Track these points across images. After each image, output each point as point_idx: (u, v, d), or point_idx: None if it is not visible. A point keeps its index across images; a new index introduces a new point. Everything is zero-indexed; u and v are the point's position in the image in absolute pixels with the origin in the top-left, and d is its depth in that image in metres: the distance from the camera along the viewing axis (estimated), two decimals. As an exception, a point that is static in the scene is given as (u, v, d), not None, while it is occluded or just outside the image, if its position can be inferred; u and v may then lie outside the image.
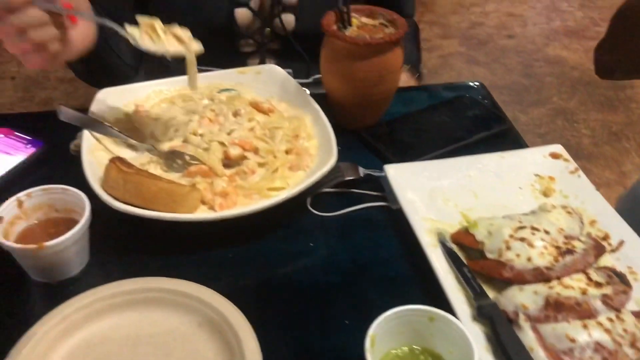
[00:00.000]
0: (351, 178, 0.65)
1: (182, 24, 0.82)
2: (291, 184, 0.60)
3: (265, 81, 0.74)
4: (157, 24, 0.60)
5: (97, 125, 0.63)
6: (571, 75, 2.48)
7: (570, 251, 0.53)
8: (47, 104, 2.18)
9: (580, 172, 0.64)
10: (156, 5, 0.85)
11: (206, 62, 0.84)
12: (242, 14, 0.83)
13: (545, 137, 2.15)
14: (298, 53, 0.85)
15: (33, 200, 0.56)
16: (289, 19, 0.85)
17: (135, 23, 0.61)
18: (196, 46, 0.62)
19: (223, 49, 0.84)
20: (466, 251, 0.56)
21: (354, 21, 0.69)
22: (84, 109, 0.67)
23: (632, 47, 0.83)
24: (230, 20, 0.83)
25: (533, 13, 3.00)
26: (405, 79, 0.88)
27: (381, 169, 0.65)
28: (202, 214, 0.57)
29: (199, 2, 0.82)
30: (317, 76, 0.86)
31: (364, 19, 0.69)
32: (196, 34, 0.82)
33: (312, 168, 0.62)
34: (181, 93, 0.72)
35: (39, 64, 0.59)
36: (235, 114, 0.66)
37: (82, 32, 0.63)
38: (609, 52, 0.85)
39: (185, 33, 0.61)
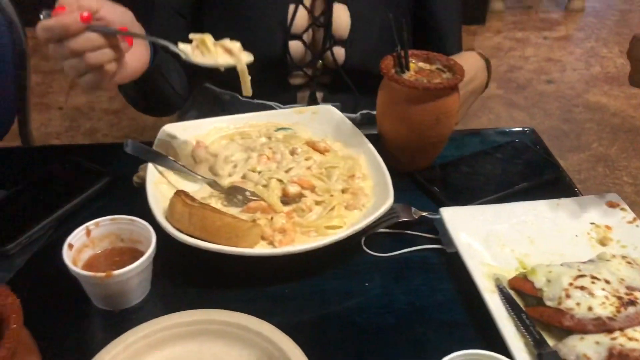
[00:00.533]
0: (405, 219, 0.65)
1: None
2: (347, 222, 0.61)
3: (321, 121, 0.76)
4: (208, 39, 0.62)
5: (161, 158, 0.66)
6: (612, 122, 2.45)
7: (632, 302, 0.52)
8: (92, 134, 2.25)
9: (639, 222, 0.64)
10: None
11: (258, 94, 0.87)
12: (295, 47, 0.87)
13: (585, 183, 2.13)
14: (347, 86, 0.87)
15: (101, 229, 0.58)
16: (339, 52, 0.88)
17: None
18: (246, 56, 0.63)
19: (275, 81, 0.87)
20: (524, 298, 0.56)
21: (412, 65, 0.70)
22: (148, 143, 0.70)
23: None
24: (284, 53, 0.86)
25: (572, 58, 3.00)
26: (479, 63, 0.91)
27: (434, 211, 0.65)
28: (262, 249, 0.58)
29: (254, 35, 0.85)
30: (365, 111, 0.88)
31: (421, 64, 0.71)
32: (250, 67, 0.85)
33: (368, 208, 0.63)
34: (240, 131, 0.74)
35: (94, 85, 0.61)
36: (292, 152, 0.68)
37: (136, 55, 0.66)
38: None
39: (234, 45, 0.63)
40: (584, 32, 3.31)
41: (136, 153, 0.65)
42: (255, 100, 0.90)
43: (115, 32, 0.59)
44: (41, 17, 0.56)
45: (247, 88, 0.65)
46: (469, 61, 0.83)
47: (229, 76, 0.90)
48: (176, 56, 0.63)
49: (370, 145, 0.70)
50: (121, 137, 2.19)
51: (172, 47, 0.62)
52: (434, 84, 0.66)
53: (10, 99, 1.16)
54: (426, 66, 0.71)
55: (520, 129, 0.85)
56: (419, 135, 0.69)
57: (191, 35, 0.63)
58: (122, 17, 0.61)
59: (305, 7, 0.86)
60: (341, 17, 0.87)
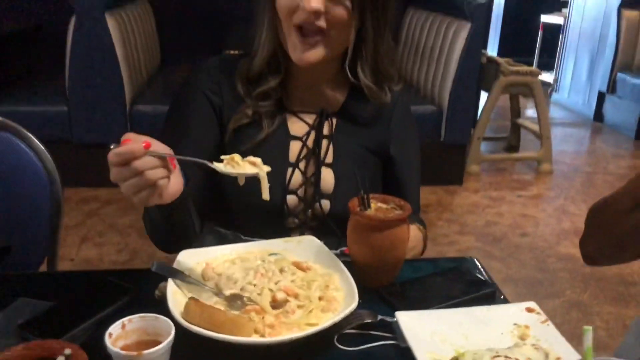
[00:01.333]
0: (369, 321, 0.83)
1: (242, 205, 1.08)
2: (322, 322, 0.79)
3: (304, 248, 0.96)
4: (237, 156, 0.86)
5: (179, 275, 0.85)
6: (583, 271, 2.64)
7: (535, 373, 0.69)
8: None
9: (550, 322, 0.82)
10: (222, 191, 1.12)
11: (258, 234, 1.09)
12: (291, 200, 1.11)
13: (561, 327, 2.26)
14: (332, 230, 1.09)
15: (133, 324, 0.75)
16: (325, 204, 1.11)
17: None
18: (267, 168, 0.87)
19: (273, 226, 1.09)
20: (457, 375, 0.72)
21: (373, 205, 0.93)
22: (169, 264, 0.89)
23: (606, 240, 1.06)
24: (282, 204, 1.09)
25: (544, 215, 3.27)
26: (417, 233, 1.12)
27: (393, 316, 0.83)
28: (255, 339, 0.75)
29: (258, 189, 1.09)
30: (344, 248, 1.09)
31: (380, 204, 0.93)
32: (253, 213, 1.08)
33: (339, 311, 0.81)
34: (240, 256, 0.94)
35: (146, 200, 0.81)
36: (281, 270, 0.88)
37: (176, 180, 0.87)
38: (590, 244, 1.07)
39: (257, 159, 0.87)
40: (554, 192, 3.63)
41: (160, 271, 0.84)
42: (255, 240, 1.12)
43: (166, 155, 0.81)
44: (112, 147, 0.78)
45: (266, 192, 0.88)
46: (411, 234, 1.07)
47: (232, 218, 1.13)
48: (210, 173, 0.86)
49: (343, 266, 0.90)
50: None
51: (209, 164, 0.85)
52: (388, 217, 0.88)
53: (43, 243, 1.36)
54: (383, 205, 0.93)
55: (465, 257, 1.05)
56: (379, 258, 0.89)
57: (222, 157, 0.87)
58: (165, 150, 0.84)
59: (300, 170, 1.12)
60: (327, 177, 1.13)
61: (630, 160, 4.24)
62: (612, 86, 4.87)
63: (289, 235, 1.12)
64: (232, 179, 1.08)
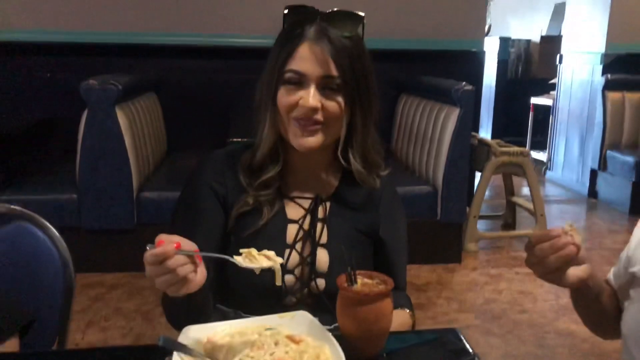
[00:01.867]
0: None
1: (244, 285, 1.18)
2: (313, 389, 0.87)
3: (298, 322, 1.04)
4: (254, 251, 0.99)
5: (184, 348, 0.93)
6: (582, 347, 2.67)
7: None
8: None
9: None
10: (227, 274, 1.21)
11: (256, 312, 1.17)
12: (288, 279, 1.21)
13: (560, 403, 2.27)
14: (326, 307, 1.17)
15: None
16: (321, 282, 1.21)
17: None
18: (280, 260, 0.99)
19: (271, 304, 1.18)
20: None
21: (359, 280, 1.02)
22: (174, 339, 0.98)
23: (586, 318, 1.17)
24: (280, 285, 1.17)
25: (542, 291, 3.32)
26: (407, 320, 1.20)
27: (379, 384, 0.90)
28: (251, 405, 0.82)
29: (260, 272, 1.18)
30: (336, 324, 1.17)
31: (366, 280, 1.03)
32: (253, 293, 1.17)
33: (328, 380, 0.89)
34: (239, 331, 1.03)
35: (177, 291, 0.93)
36: (276, 343, 0.96)
37: (201, 270, 0.97)
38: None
39: (271, 252, 1.00)
40: (551, 268, 3.68)
41: (166, 345, 0.93)
42: (255, 317, 1.19)
43: (193, 253, 0.94)
44: (148, 248, 0.91)
45: (279, 280, 1.01)
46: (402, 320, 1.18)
47: (234, 297, 1.22)
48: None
49: (333, 339, 0.98)
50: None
51: (230, 259, 0.98)
52: (372, 292, 0.97)
53: (54, 324, 1.44)
54: (369, 281, 1.03)
55: (450, 328, 1.13)
56: (365, 329, 0.98)
57: (241, 250, 0.99)
58: (191, 246, 0.96)
59: (296, 251, 1.22)
60: (322, 257, 1.22)
61: (626, 235, 4.31)
62: (603, 163, 5.03)
63: (287, 312, 1.20)
64: (236, 265, 1.20)
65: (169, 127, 4.14)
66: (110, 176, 3.20)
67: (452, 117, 3.40)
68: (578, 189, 5.42)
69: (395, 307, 1.08)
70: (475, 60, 4.38)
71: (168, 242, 0.91)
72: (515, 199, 4.22)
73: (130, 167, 3.22)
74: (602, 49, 5.09)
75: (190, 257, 0.93)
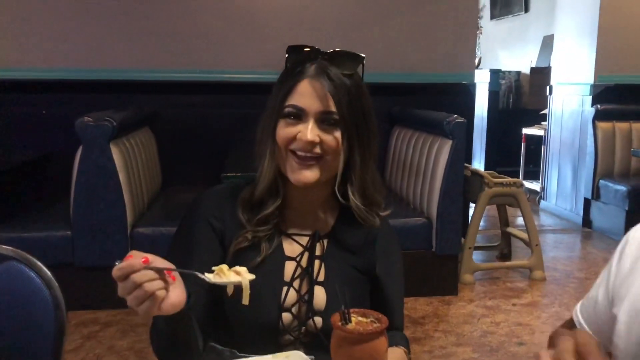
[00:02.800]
0: None
1: (240, 323, 1.17)
2: None
3: (292, 362, 1.03)
4: (224, 267, 0.97)
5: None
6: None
7: None
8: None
9: None
10: (223, 310, 1.21)
11: (253, 351, 1.16)
12: (285, 317, 1.20)
13: None
14: (324, 345, 1.16)
15: None
16: (318, 321, 1.20)
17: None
18: (250, 276, 0.97)
19: (268, 342, 1.18)
20: None
21: (354, 319, 1.01)
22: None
23: None
24: (277, 321, 1.18)
25: (539, 322, 3.30)
26: (402, 358, 1.20)
27: None
28: None
29: (254, 306, 1.14)
30: (334, 363, 1.16)
31: (360, 317, 1.02)
32: (250, 330, 1.16)
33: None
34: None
35: (149, 310, 0.91)
36: (271, 384, 0.95)
37: (177, 292, 0.96)
38: None
39: (242, 269, 0.98)
40: (548, 299, 3.67)
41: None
42: (250, 357, 1.18)
43: (163, 269, 0.93)
44: (116, 263, 0.90)
45: (246, 298, 0.98)
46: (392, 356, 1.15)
47: (230, 336, 1.20)
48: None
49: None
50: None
51: (199, 275, 0.96)
52: (366, 330, 0.96)
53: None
54: (363, 319, 1.02)
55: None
56: None
57: (214, 267, 0.98)
58: (164, 263, 0.96)
59: (294, 288, 1.22)
60: (319, 295, 1.22)
61: (621, 264, 4.30)
62: (596, 192, 5.05)
63: (283, 351, 1.19)
64: (231, 299, 1.18)
65: (163, 161, 4.15)
66: (104, 213, 3.19)
67: (444, 149, 3.43)
68: (572, 218, 5.43)
69: (391, 344, 1.08)
70: (466, 93, 4.43)
71: (136, 257, 0.91)
72: (510, 229, 4.22)
73: (125, 203, 3.21)
74: (591, 80, 5.16)
75: (161, 273, 0.92)
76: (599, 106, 5.02)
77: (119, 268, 0.90)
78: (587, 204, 5.22)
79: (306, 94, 1.14)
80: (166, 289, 0.93)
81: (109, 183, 3.17)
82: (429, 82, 4.36)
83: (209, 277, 0.97)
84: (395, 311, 1.28)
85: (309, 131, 1.13)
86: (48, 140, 3.99)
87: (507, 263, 4.16)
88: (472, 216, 3.86)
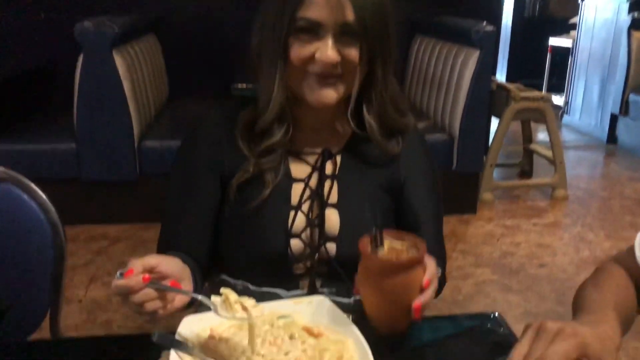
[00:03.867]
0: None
1: (245, 252, 1.05)
2: (336, 398, 0.73)
3: (315, 309, 0.91)
4: (232, 296, 0.83)
5: (183, 346, 0.80)
6: (604, 303, 2.55)
7: None
8: (107, 325, 2.36)
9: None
10: (225, 242, 1.10)
11: (266, 283, 1.06)
12: (295, 244, 1.07)
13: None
14: (339, 275, 1.03)
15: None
16: (331, 247, 1.07)
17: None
18: (257, 311, 0.82)
19: (280, 273, 1.07)
20: None
21: (386, 243, 0.87)
22: (172, 332, 0.84)
23: None
24: (286, 249, 1.05)
25: (561, 244, 3.19)
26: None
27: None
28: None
29: (262, 236, 1.07)
30: (358, 297, 1.03)
31: (393, 241, 0.88)
32: (258, 261, 1.04)
33: (354, 385, 0.75)
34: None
35: (151, 320, 0.85)
36: (291, 337, 0.82)
37: (181, 299, 0.88)
38: None
39: (250, 302, 0.82)
40: (570, 218, 3.56)
41: (162, 342, 0.79)
42: (264, 289, 1.09)
43: (166, 289, 0.84)
44: (117, 275, 0.81)
45: (252, 344, 0.82)
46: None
47: (239, 268, 1.09)
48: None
49: (357, 332, 0.84)
50: (135, 329, 2.30)
51: (206, 301, 0.84)
52: (400, 261, 0.83)
53: (45, 295, 1.32)
54: (397, 243, 0.87)
55: (488, 313, 0.99)
56: (391, 302, 0.85)
57: (222, 290, 0.85)
58: (174, 268, 0.88)
59: (302, 212, 1.08)
60: (332, 218, 1.08)
61: (647, 183, 4.16)
62: (624, 108, 4.81)
63: (297, 282, 1.09)
64: (233, 230, 1.07)
65: (170, 71, 3.93)
66: (109, 125, 3.04)
67: (471, 60, 3.18)
68: (596, 134, 5.22)
69: None
70: (493, -3, 4.10)
71: (137, 273, 0.82)
72: (533, 146, 4.04)
73: (131, 115, 3.05)
74: (630, -15, 4.77)
75: (161, 291, 0.84)
76: (636, 14, 4.66)
77: (117, 286, 0.82)
78: (613, 119, 4.99)
79: (321, 4, 0.95)
80: (164, 306, 0.85)
81: (112, 93, 2.99)
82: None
83: (216, 303, 0.84)
84: (428, 231, 1.12)
85: (330, 49, 0.96)
86: (49, 47, 3.76)
87: (529, 181, 4.02)
88: (496, 132, 3.67)
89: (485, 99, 3.24)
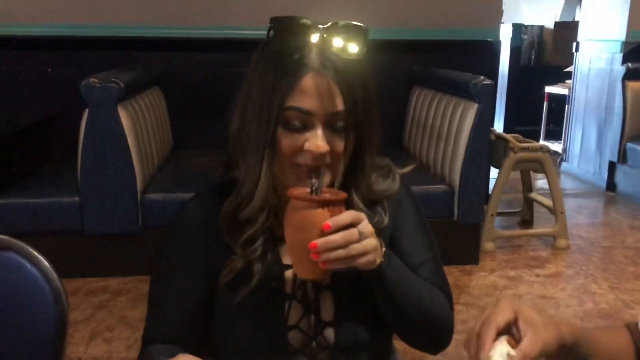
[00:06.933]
0: None
1: (243, 344, 1.04)
2: None
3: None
4: None
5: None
6: (610, 357, 2.51)
7: None
8: (108, 384, 2.33)
9: None
10: (217, 332, 1.07)
11: None
12: (294, 336, 1.04)
13: None
14: None
15: None
16: (329, 333, 1.05)
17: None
18: None
19: None
20: None
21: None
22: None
23: None
24: (284, 342, 1.04)
25: (564, 295, 3.17)
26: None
27: None
28: None
29: (256, 322, 1.04)
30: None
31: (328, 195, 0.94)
32: (254, 352, 1.03)
33: None
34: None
35: None
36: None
37: None
38: None
39: None
40: (573, 269, 3.54)
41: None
42: None
43: None
44: None
45: None
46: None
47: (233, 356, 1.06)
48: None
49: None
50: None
51: None
52: (302, 196, 0.90)
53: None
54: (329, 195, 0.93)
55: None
56: (291, 239, 0.92)
57: None
58: None
59: (297, 300, 1.05)
60: (327, 302, 1.05)
61: (649, 232, 4.16)
62: (622, 156, 4.85)
63: None
64: (225, 322, 1.05)
65: (174, 123, 3.99)
66: (113, 178, 3.06)
67: (469, 112, 3.23)
68: (595, 182, 5.24)
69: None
70: (490, 51, 4.19)
71: None
72: (533, 195, 4.06)
73: (134, 168, 3.08)
74: (623, 37, 4.88)
75: None
76: (629, 65, 4.75)
77: None
78: (611, 167, 5.02)
79: (311, 93, 0.92)
80: None
81: (117, 147, 3.02)
82: (450, 39, 4.10)
83: None
84: (426, 274, 1.08)
85: (319, 140, 0.93)
86: (55, 101, 3.83)
87: (531, 231, 4.02)
88: (496, 182, 3.69)
89: (485, 150, 3.28)
